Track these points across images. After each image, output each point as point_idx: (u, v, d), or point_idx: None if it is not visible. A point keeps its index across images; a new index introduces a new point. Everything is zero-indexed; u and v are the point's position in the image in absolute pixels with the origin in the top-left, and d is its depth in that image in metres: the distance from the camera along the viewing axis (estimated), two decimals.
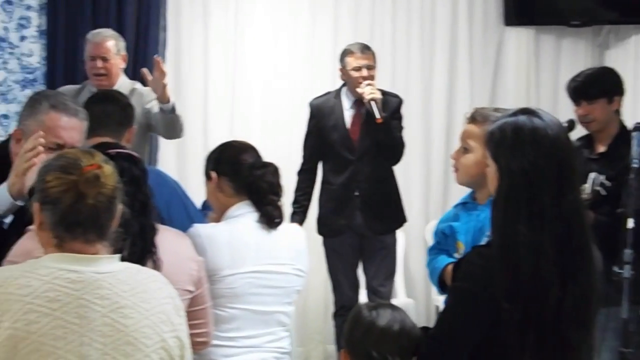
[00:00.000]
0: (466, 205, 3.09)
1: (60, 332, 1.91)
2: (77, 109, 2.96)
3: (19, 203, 2.76)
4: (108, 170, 2.05)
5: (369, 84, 4.88)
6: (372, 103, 4.81)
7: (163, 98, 4.40)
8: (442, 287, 3.04)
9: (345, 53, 5.06)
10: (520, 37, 6.56)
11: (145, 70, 4.48)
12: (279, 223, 3.06)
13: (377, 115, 4.79)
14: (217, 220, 3.10)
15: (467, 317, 2.22)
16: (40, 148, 2.73)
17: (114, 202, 2.05)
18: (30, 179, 2.65)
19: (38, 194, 2.05)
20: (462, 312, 2.24)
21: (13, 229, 2.77)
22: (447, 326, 2.27)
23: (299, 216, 5.01)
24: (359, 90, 4.91)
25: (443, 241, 3.14)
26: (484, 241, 2.69)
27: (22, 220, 2.60)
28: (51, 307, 1.92)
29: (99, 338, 1.94)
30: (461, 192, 3.24)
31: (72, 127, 2.95)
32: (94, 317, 1.95)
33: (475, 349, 2.22)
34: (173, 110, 4.45)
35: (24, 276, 1.95)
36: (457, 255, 3.01)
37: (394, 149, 5.01)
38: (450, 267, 2.93)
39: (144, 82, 4.58)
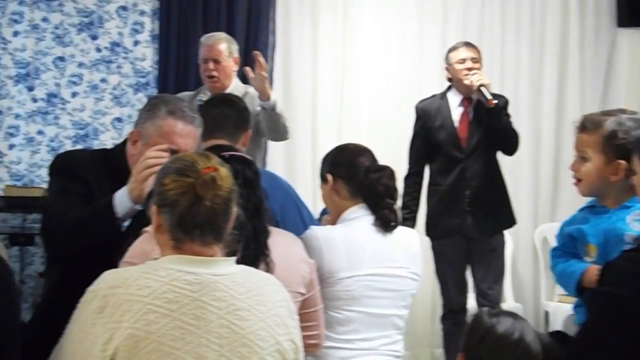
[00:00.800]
0: (594, 208, 3.01)
1: (178, 333, 1.94)
2: (194, 117, 3.00)
3: (138, 207, 2.80)
4: (224, 172, 2.07)
5: (475, 73, 4.88)
6: (482, 88, 4.81)
7: (264, 94, 4.42)
8: (579, 291, 2.96)
9: (449, 50, 5.08)
10: (633, 39, 6.40)
11: (248, 69, 4.50)
12: (394, 226, 3.05)
13: (489, 97, 4.78)
14: (333, 223, 3.10)
15: (615, 323, 2.14)
16: (162, 159, 2.76)
17: (230, 205, 2.07)
18: (149, 185, 2.70)
19: (156, 197, 2.08)
20: (610, 317, 2.15)
21: (130, 230, 2.81)
22: (594, 332, 2.19)
23: (410, 222, 4.95)
24: (466, 81, 4.90)
25: (569, 244, 3.07)
26: (627, 246, 2.63)
27: (139, 222, 2.64)
28: (170, 308, 1.94)
29: (215, 339, 1.96)
30: (571, 197, 3.17)
31: (187, 134, 2.97)
32: (211, 318, 1.97)
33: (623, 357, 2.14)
34: (274, 107, 4.47)
35: (143, 277, 1.98)
36: (587, 259, 2.94)
37: (508, 136, 4.96)
38: (592, 271, 2.85)
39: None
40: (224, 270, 2.05)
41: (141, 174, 2.77)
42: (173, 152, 2.86)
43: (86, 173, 2.97)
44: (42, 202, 3.03)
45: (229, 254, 2.12)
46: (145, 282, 1.97)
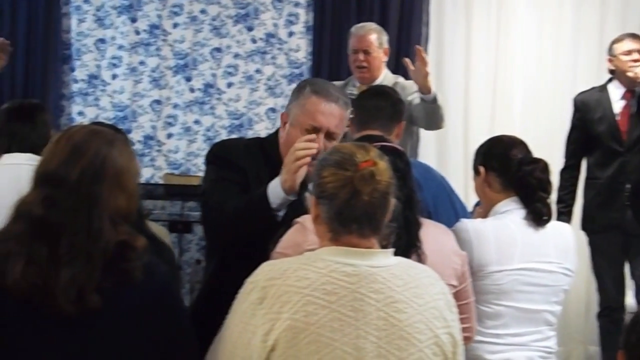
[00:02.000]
0: None
1: (337, 325, 1.95)
2: (339, 96, 3.01)
3: (291, 198, 2.84)
4: (382, 166, 2.07)
5: None
6: None
7: (424, 88, 4.40)
8: None
9: (614, 42, 4.94)
10: None
11: (407, 60, 4.50)
12: (547, 220, 2.99)
13: None
14: (484, 215, 3.07)
15: None
16: (311, 150, 2.80)
17: (387, 198, 2.07)
18: (301, 176, 2.75)
19: (315, 188, 2.10)
20: None
21: (284, 221, 2.85)
22: None
23: (565, 216, 4.86)
24: (629, 74, 4.77)
25: None
26: None
27: (294, 212, 2.68)
28: (328, 300, 1.96)
29: (373, 332, 1.97)
30: None
31: (330, 113, 2.97)
32: (369, 310, 1.97)
33: None
34: (435, 100, 4.45)
35: (302, 268, 2.00)
36: None
37: None
38: None
39: (406, 76, 4.62)
40: (382, 262, 2.05)
41: (292, 165, 2.79)
42: (315, 129, 2.90)
43: (242, 161, 3.03)
44: (200, 190, 3.11)
45: (385, 245, 2.12)
46: (304, 274, 1.99)
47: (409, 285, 2.04)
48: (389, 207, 2.09)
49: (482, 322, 2.90)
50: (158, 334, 2.02)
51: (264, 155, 3.08)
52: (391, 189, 2.08)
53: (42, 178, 2.04)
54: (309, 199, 2.14)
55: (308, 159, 2.76)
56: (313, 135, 2.87)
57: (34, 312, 1.94)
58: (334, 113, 2.98)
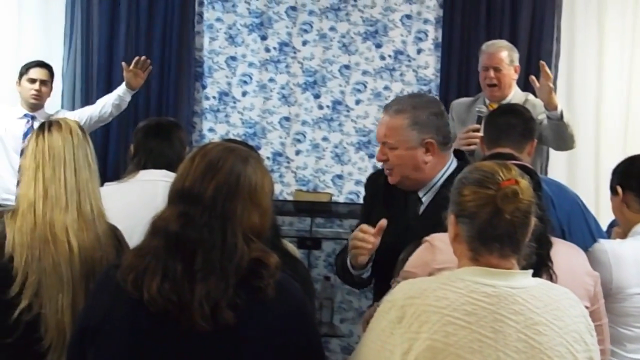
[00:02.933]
0: None
1: (476, 346, 1.93)
2: (396, 108, 3.00)
3: (363, 273, 2.95)
4: (524, 185, 2.04)
5: None
6: None
7: (549, 104, 4.32)
8: None
9: None
10: None
11: (532, 78, 4.44)
12: None
13: None
14: (623, 236, 2.99)
15: None
16: (367, 245, 2.84)
17: (529, 217, 2.05)
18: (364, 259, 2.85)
19: (454, 206, 2.08)
20: None
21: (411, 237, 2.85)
22: None
23: None
24: None
25: None
26: None
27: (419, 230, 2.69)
28: (468, 321, 1.94)
29: (513, 354, 1.94)
30: None
31: (381, 123, 3.05)
32: (509, 332, 1.94)
33: None
34: (561, 117, 4.36)
35: (441, 288, 1.99)
36: None
37: None
38: None
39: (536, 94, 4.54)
40: (522, 284, 2.02)
41: (350, 252, 2.87)
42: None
43: (368, 190, 3.09)
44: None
45: (524, 266, 2.09)
46: (443, 294, 1.98)
47: (549, 307, 2.01)
48: (530, 226, 2.06)
49: (621, 344, 2.85)
50: (290, 352, 2.03)
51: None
52: (533, 208, 2.06)
53: (177, 194, 2.08)
54: (448, 217, 2.12)
55: (363, 251, 2.79)
56: (371, 229, 2.85)
57: (169, 327, 1.98)
58: (383, 122, 3.03)
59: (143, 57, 5.23)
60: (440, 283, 2.01)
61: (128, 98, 5.31)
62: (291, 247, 2.69)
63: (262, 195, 2.09)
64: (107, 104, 5.30)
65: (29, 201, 2.55)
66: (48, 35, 5.94)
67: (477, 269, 2.02)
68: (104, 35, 5.84)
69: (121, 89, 5.28)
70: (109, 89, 5.61)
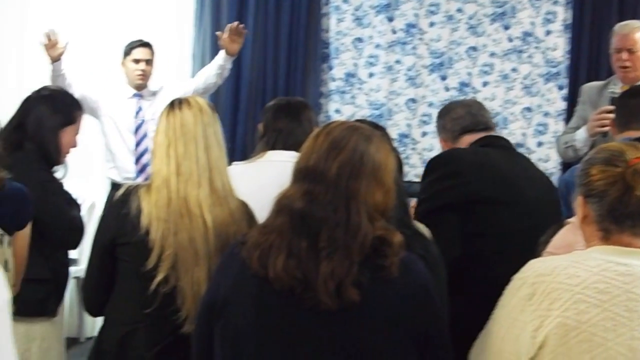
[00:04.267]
0: None
1: (609, 324, 1.90)
2: None
3: None
4: None
5: None
6: None
7: None
8: None
9: None
10: None
11: None
12: None
13: None
14: None
15: None
16: None
17: None
18: None
19: (581, 188, 2.05)
20: None
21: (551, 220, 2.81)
22: None
23: None
24: None
25: None
26: None
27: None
28: (600, 299, 1.91)
29: None
30: None
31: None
32: None
33: None
34: None
35: (572, 266, 1.97)
36: None
37: None
38: None
39: None
40: None
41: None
42: None
43: None
44: None
45: None
46: (574, 271, 1.95)
47: None
48: None
49: None
50: (413, 332, 2.03)
51: None
52: None
53: (301, 173, 2.11)
54: (575, 200, 2.09)
55: None
56: None
57: (294, 304, 2.01)
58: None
59: (236, 23, 5.32)
60: (571, 261, 1.98)
61: (229, 65, 5.41)
62: (422, 226, 2.67)
63: (386, 174, 2.09)
64: (210, 75, 5.40)
65: (163, 177, 2.61)
66: (178, 17, 6.09)
67: (609, 248, 1.99)
68: (233, 17, 5.93)
69: (221, 57, 5.37)
70: (237, 70, 5.72)
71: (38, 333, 3.27)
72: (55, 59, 5.05)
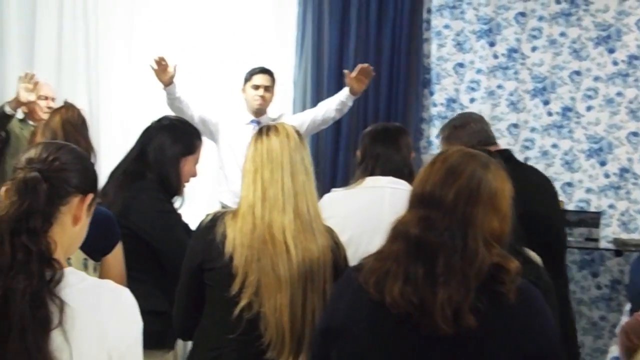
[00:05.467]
0: None
1: None
2: None
3: None
4: None
5: None
6: None
7: None
8: None
9: None
10: None
11: None
12: None
13: None
14: None
15: None
16: None
17: None
18: None
19: None
20: None
21: None
22: None
23: None
24: None
25: None
26: None
27: None
28: None
29: None
30: None
31: None
32: None
33: None
34: None
35: None
36: None
37: None
38: None
39: None
40: None
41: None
42: None
43: None
44: None
45: None
46: None
47: None
48: None
49: None
50: (530, 358, 2.01)
51: None
52: None
53: (418, 199, 2.11)
54: None
55: None
56: None
57: (411, 330, 2.00)
58: None
59: (366, 65, 5.31)
60: None
61: (350, 103, 5.38)
62: (533, 254, 2.64)
63: (502, 201, 2.08)
64: (329, 109, 5.38)
65: (249, 203, 2.65)
66: (281, 44, 6.17)
67: None
68: (334, 44, 5.99)
69: (343, 94, 5.35)
70: None
71: None
72: (167, 83, 5.16)
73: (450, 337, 1.97)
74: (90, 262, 2.76)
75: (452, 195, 2.04)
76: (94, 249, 2.77)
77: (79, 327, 1.77)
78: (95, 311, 1.80)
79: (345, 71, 5.33)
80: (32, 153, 1.90)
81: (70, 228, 1.91)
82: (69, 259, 2.27)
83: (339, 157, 5.96)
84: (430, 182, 2.09)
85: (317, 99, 5.93)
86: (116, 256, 2.89)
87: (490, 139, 3.63)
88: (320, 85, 6.04)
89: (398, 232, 2.09)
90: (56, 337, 1.74)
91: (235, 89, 5.63)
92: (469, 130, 3.69)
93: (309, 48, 6.06)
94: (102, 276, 2.82)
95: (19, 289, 1.73)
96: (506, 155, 3.45)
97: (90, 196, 1.95)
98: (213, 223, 2.68)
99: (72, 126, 2.99)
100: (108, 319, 1.81)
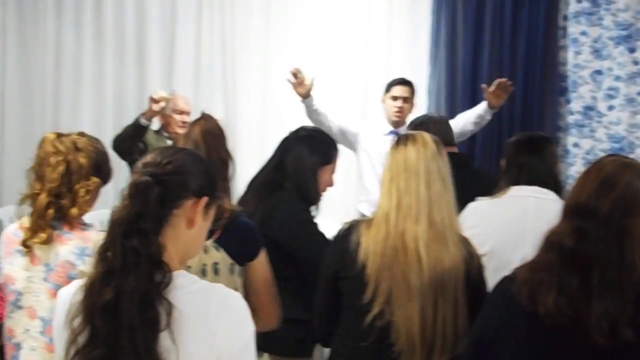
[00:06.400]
0: None
1: None
2: None
3: None
4: None
5: None
6: None
7: None
8: None
9: None
10: None
11: None
12: None
13: None
14: None
15: None
16: None
17: None
18: None
19: None
20: None
21: None
22: None
23: None
24: None
25: None
26: None
27: None
28: None
29: None
30: None
31: None
32: None
33: None
34: None
35: None
36: None
37: None
38: None
39: None
40: None
41: None
42: None
43: None
44: None
45: None
46: None
47: None
48: None
49: None
50: None
51: None
52: None
53: (572, 209, 2.08)
54: None
55: None
56: None
57: (565, 342, 1.99)
58: None
59: (504, 79, 5.24)
60: None
61: (489, 117, 5.34)
62: None
63: None
64: (468, 122, 5.36)
65: (384, 211, 2.66)
66: (414, 54, 6.17)
67: None
68: (468, 53, 5.95)
69: (482, 108, 5.31)
70: (472, 106, 5.72)
71: None
72: (305, 96, 5.23)
73: (606, 350, 1.94)
74: (236, 267, 2.82)
75: (607, 206, 2.01)
76: (239, 254, 2.84)
77: (187, 329, 1.79)
78: (204, 314, 1.81)
79: (483, 86, 5.29)
80: (149, 157, 1.92)
81: (184, 231, 1.91)
82: (188, 266, 2.34)
83: (474, 166, 5.89)
84: (585, 192, 2.07)
85: (451, 108, 5.91)
86: (261, 261, 2.93)
87: (447, 141, 3.58)
88: (454, 95, 6.01)
89: (551, 243, 2.07)
90: (164, 338, 1.77)
91: (371, 100, 5.66)
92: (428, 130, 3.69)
93: (442, 57, 6.04)
94: (247, 280, 2.88)
95: (128, 290, 1.76)
96: (457, 159, 3.41)
97: (205, 199, 1.94)
98: (349, 232, 2.72)
99: (212, 137, 3.05)
100: (217, 323, 1.82)
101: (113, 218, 1.84)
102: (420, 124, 4.15)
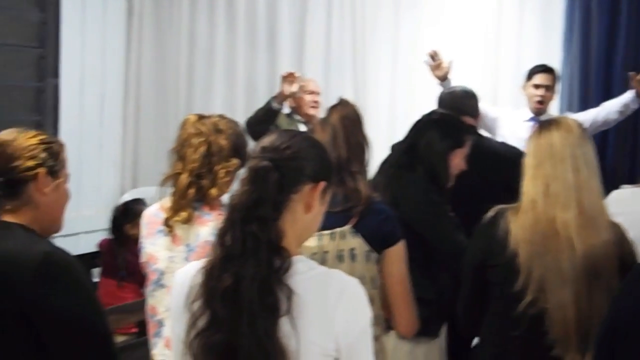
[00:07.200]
0: None
1: None
2: None
3: None
4: None
5: None
6: None
7: None
8: None
9: None
10: None
11: None
12: None
13: None
14: None
15: None
16: None
17: None
18: None
19: None
20: None
21: None
22: None
23: None
24: None
25: None
26: None
27: None
28: None
29: None
30: None
31: None
32: None
33: None
34: None
35: None
36: None
37: None
38: None
39: None
40: None
41: None
42: None
43: None
44: None
45: None
46: None
47: None
48: None
49: None
50: None
51: None
52: None
53: None
54: None
55: None
56: None
57: None
58: None
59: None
60: None
61: (634, 106, 5.22)
62: None
63: None
64: (612, 111, 5.26)
65: (530, 198, 2.63)
66: (547, 40, 6.06)
67: None
68: (603, 37, 5.76)
69: (628, 97, 5.19)
70: (606, 94, 5.57)
71: (421, 352, 3.32)
72: (443, 79, 5.21)
73: None
74: (373, 254, 2.83)
75: None
76: (375, 240, 2.86)
77: (306, 315, 1.79)
78: (323, 300, 1.81)
79: (631, 73, 5.15)
80: (267, 141, 1.92)
81: (302, 216, 1.91)
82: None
83: (606, 155, 5.75)
84: None
85: (584, 94, 5.78)
86: (398, 252, 2.91)
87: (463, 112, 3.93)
88: (587, 80, 5.83)
89: None
90: (284, 324, 1.78)
91: (502, 86, 5.59)
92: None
93: (576, 45, 5.88)
94: (383, 273, 2.89)
95: (248, 275, 1.77)
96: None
97: (322, 184, 1.95)
98: (495, 219, 2.69)
99: (350, 122, 3.07)
100: (336, 309, 1.81)
101: (232, 203, 1.87)
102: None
